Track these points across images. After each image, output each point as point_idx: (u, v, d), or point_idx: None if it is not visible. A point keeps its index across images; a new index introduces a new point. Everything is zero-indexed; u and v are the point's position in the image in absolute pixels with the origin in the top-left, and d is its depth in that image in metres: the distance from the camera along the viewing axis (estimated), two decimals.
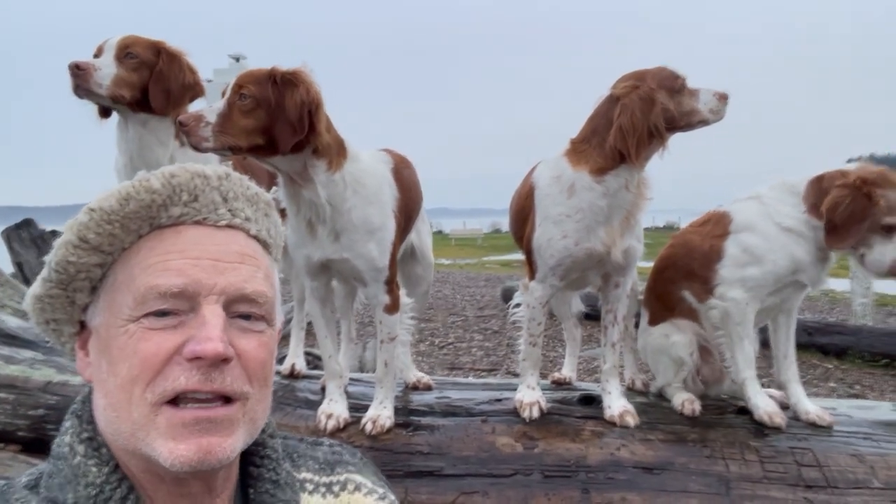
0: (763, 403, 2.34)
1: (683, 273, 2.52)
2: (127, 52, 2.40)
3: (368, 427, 2.29)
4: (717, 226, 2.47)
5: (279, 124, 2.01)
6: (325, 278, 2.42)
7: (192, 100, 2.57)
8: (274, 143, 2.03)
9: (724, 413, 2.45)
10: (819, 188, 2.29)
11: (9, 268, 6.50)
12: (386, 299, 2.36)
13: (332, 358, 2.44)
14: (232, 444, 0.86)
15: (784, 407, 2.50)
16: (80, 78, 2.32)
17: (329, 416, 2.33)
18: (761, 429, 2.30)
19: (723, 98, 2.20)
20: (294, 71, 2.05)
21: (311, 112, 2.03)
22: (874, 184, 2.18)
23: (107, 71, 2.35)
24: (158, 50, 2.46)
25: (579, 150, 2.27)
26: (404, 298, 2.45)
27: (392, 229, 2.32)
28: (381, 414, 2.33)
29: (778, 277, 2.33)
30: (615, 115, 2.16)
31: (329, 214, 2.19)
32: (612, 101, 2.20)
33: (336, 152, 2.17)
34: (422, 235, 2.82)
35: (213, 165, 0.96)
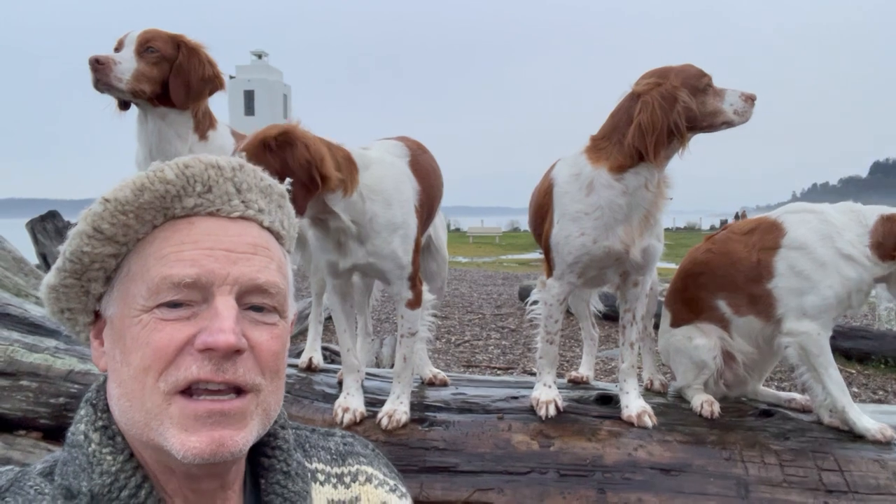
0: (871, 425, 2.26)
1: (723, 283, 2.45)
2: (147, 46, 2.41)
3: (384, 421, 2.29)
4: (767, 236, 2.37)
5: (294, 189, 2.00)
6: (347, 275, 2.43)
7: (211, 93, 2.58)
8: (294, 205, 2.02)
9: (745, 415, 2.42)
10: (889, 229, 2.23)
11: (33, 258, 6.61)
12: (409, 295, 2.36)
13: (351, 352, 2.45)
14: (244, 437, 0.86)
15: (807, 410, 2.47)
16: (101, 72, 2.34)
17: (346, 410, 2.34)
18: (782, 432, 2.27)
19: (750, 99, 2.15)
20: (285, 130, 2.00)
21: (318, 166, 2.00)
22: None
23: (127, 65, 2.37)
24: (178, 44, 2.47)
25: (599, 147, 2.24)
26: (427, 294, 2.45)
27: (414, 225, 2.32)
28: (397, 409, 2.33)
29: (839, 301, 2.26)
30: (635, 112, 2.13)
31: (355, 231, 2.21)
32: (634, 98, 2.17)
33: (348, 175, 2.15)
34: (437, 230, 2.81)
35: (226, 157, 0.96)
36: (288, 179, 1.05)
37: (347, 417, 2.32)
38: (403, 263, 2.29)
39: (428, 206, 2.47)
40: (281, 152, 1.96)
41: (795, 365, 2.37)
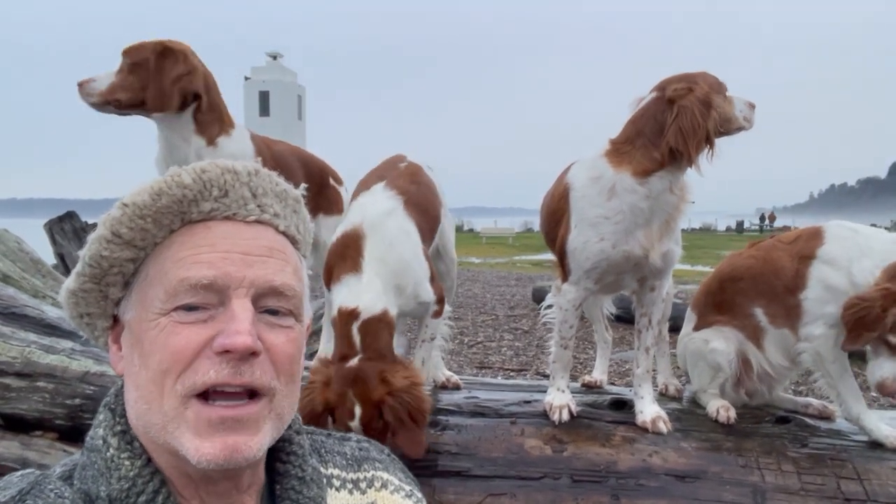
0: (889, 432, 2.23)
1: (763, 291, 2.42)
2: (125, 58, 2.48)
3: None
4: (808, 244, 2.34)
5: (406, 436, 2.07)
6: None
7: (182, 91, 2.52)
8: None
9: (761, 422, 2.39)
10: (889, 273, 2.15)
11: (51, 259, 6.68)
12: (435, 307, 2.42)
13: None
14: (259, 442, 0.87)
15: (825, 416, 2.44)
16: (79, 92, 2.44)
17: None
18: (799, 439, 2.24)
19: (752, 106, 2.23)
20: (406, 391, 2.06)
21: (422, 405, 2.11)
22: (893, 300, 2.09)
23: (101, 82, 2.45)
24: (155, 49, 2.50)
25: (621, 151, 2.22)
26: (446, 306, 2.52)
27: (426, 261, 2.34)
28: None
29: None
30: (671, 116, 2.12)
31: None
32: (663, 103, 2.16)
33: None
34: (444, 231, 2.81)
35: (242, 161, 0.96)
36: (303, 186, 1.05)
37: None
38: (428, 299, 2.35)
39: (429, 230, 2.50)
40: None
41: (811, 371, 2.35)
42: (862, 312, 2.10)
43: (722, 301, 2.53)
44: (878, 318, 2.07)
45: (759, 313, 2.42)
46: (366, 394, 2.04)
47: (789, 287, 2.34)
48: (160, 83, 2.47)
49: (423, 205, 2.47)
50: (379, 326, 2.15)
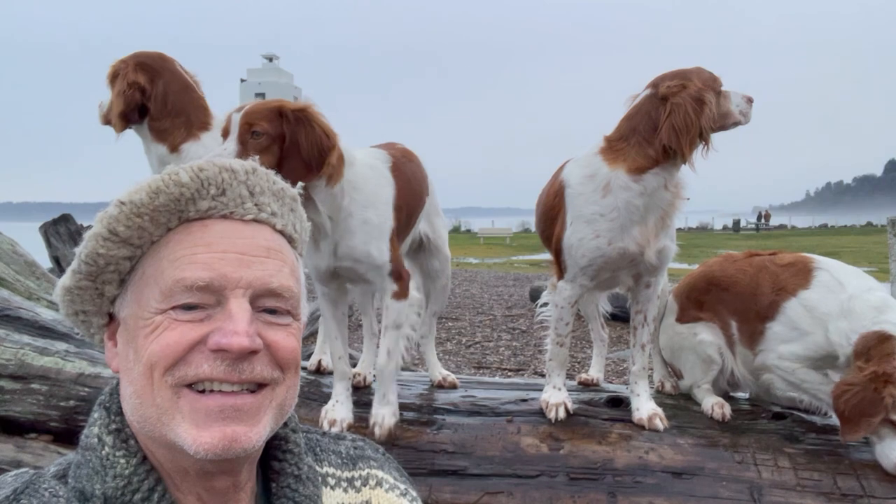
0: None
1: (740, 308, 2.43)
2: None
3: (377, 432, 2.27)
4: (793, 280, 2.32)
5: (291, 161, 1.98)
6: (335, 283, 2.42)
7: (121, 111, 2.54)
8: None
9: (757, 418, 2.40)
10: (863, 347, 2.10)
11: (46, 262, 6.65)
12: (394, 287, 2.34)
13: (342, 359, 2.43)
14: (258, 433, 0.87)
15: (822, 413, 2.45)
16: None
17: (332, 423, 2.33)
18: (795, 435, 2.25)
19: (750, 101, 2.22)
20: (305, 108, 2.01)
21: (327, 152, 2.02)
22: (887, 380, 2.01)
23: (102, 106, 2.63)
24: (110, 74, 2.58)
25: (616, 148, 2.23)
26: (413, 292, 2.43)
27: (390, 227, 2.30)
28: (385, 414, 2.31)
29: (817, 351, 2.25)
30: (664, 113, 2.13)
31: (329, 228, 2.21)
32: (657, 100, 2.17)
33: (338, 166, 2.12)
34: (436, 229, 2.80)
35: (240, 160, 0.96)
36: (299, 184, 1.05)
37: (334, 431, 2.30)
38: (379, 263, 2.29)
39: (407, 209, 2.46)
40: (296, 125, 1.98)
41: (787, 392, 2.36)
42: (856, 398, 2.03)
43: (705, 302, 2.54)
44: (876, 402, 2.00)
45: (734, 328, 2.46)
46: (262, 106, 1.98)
47: (761, 314, 2.36)
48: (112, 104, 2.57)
49: (407, 177, 2.45)
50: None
